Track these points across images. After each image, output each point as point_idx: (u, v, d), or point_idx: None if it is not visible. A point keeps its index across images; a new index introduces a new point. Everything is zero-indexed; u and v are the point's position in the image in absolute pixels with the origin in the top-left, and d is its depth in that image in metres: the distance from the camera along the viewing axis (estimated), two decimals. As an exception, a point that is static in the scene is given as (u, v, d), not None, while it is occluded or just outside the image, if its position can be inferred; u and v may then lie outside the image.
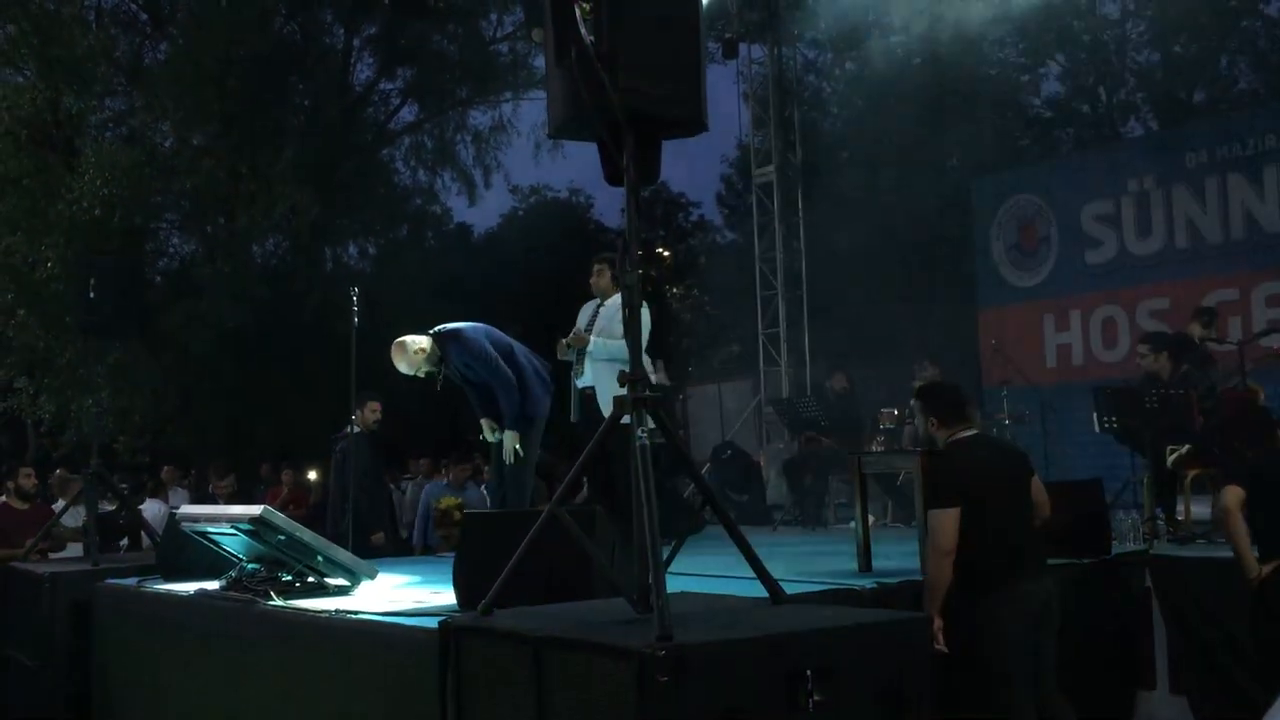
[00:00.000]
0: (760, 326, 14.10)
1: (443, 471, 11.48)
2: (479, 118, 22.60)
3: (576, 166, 26.93)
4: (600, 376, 6.76)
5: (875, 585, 4.53)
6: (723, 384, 17.60)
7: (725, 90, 14.97)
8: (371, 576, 4.72)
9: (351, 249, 21.81)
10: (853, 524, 5.89)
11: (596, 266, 7.19)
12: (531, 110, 22.52)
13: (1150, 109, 21.32)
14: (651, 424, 3.05)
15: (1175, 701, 5.42)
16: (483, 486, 10.57)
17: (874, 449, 8.21)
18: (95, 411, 12.45)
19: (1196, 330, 7.76)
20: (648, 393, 3.12)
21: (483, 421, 6.76)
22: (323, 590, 4.54)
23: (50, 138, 17.99)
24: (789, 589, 3.41)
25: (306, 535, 4.53)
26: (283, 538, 4.45)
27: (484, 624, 3.08)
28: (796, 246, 14.05)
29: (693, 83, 3.16)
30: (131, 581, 5.51)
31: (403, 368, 6.63)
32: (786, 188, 14.07)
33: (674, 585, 3.01)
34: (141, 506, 9.88)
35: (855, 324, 15.80)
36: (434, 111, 22.33)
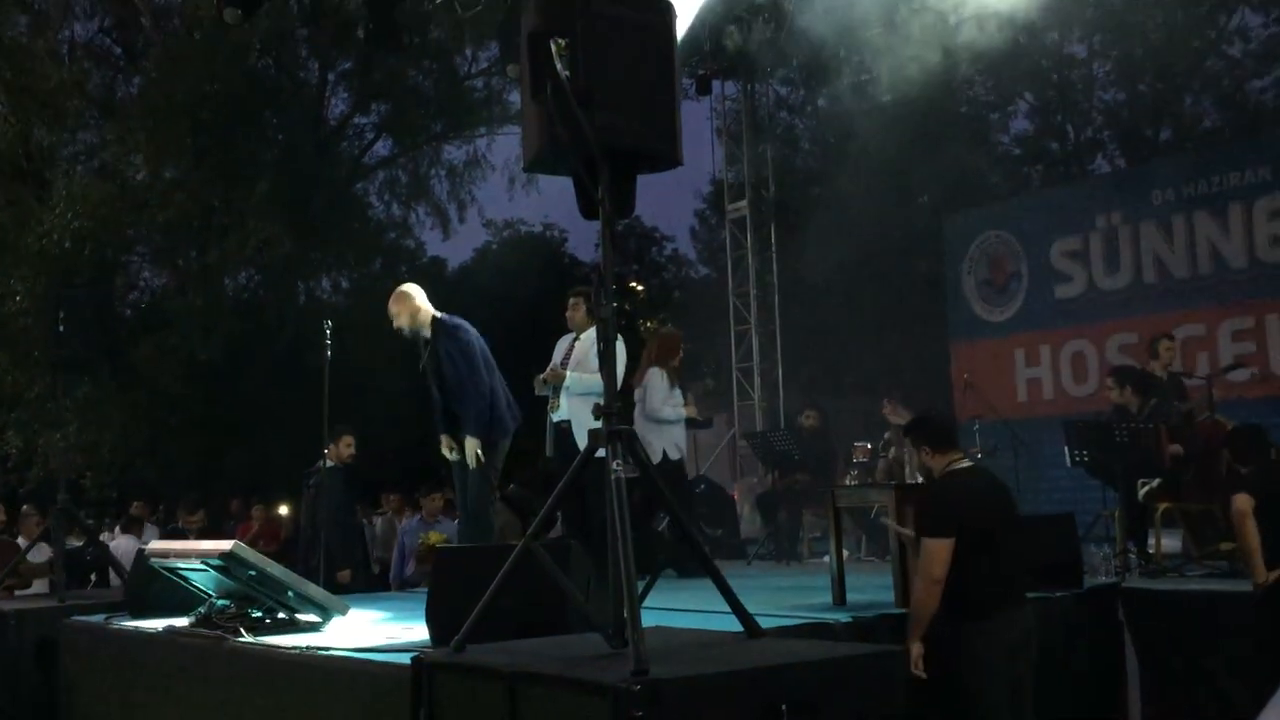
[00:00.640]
0: (734, 360, 14.15)
1: (417, 506, 11.37)
2: (453, 152, 22.69)
3: (551, 201, 27.02)
4: (576, 410, 6.77)
5: (850, 619, 4.53)
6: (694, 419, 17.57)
7: (699, 126, 15.10)
8: (343, 612, 4.68)
9: (324, 283, 21.76)
10: (827, 558, 5.89)
11: (572, 300, 7.21)
12: (506, 145, 22.62)
13: (1117, 146, 21.64)
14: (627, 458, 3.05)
15: (1148, 734, 5.44)
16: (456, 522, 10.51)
17: (848, 483, 8.22)
18: (63, 446, 12.30)
19: (1154, 364, 7.87)
20: (622, 426, 3.12)
21: (442, 438, 6.62)
22: (294, 626, 4.49)
23: (21, 170, 17.90)
24: (764, 623, 3.40)
25: (277, 570, 4.49)
26: (253, 573, 4.41)
27: (457, 660, 3.06)
28: (769, 281, 14.12)
29: (667, 118, 3.19)
30: (99, 618, 5.43)
31: (393, 312, 6.65)
32: (759, 223, 14.16)
33: (649, 620, 3.00)
34: (115, 542, 9.76)
35: (829, 358, 15.86)
36: (408, 146, 22.38)
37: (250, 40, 18.50)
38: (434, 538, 8.99)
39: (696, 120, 15.09)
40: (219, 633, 4.36)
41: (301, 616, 4.57)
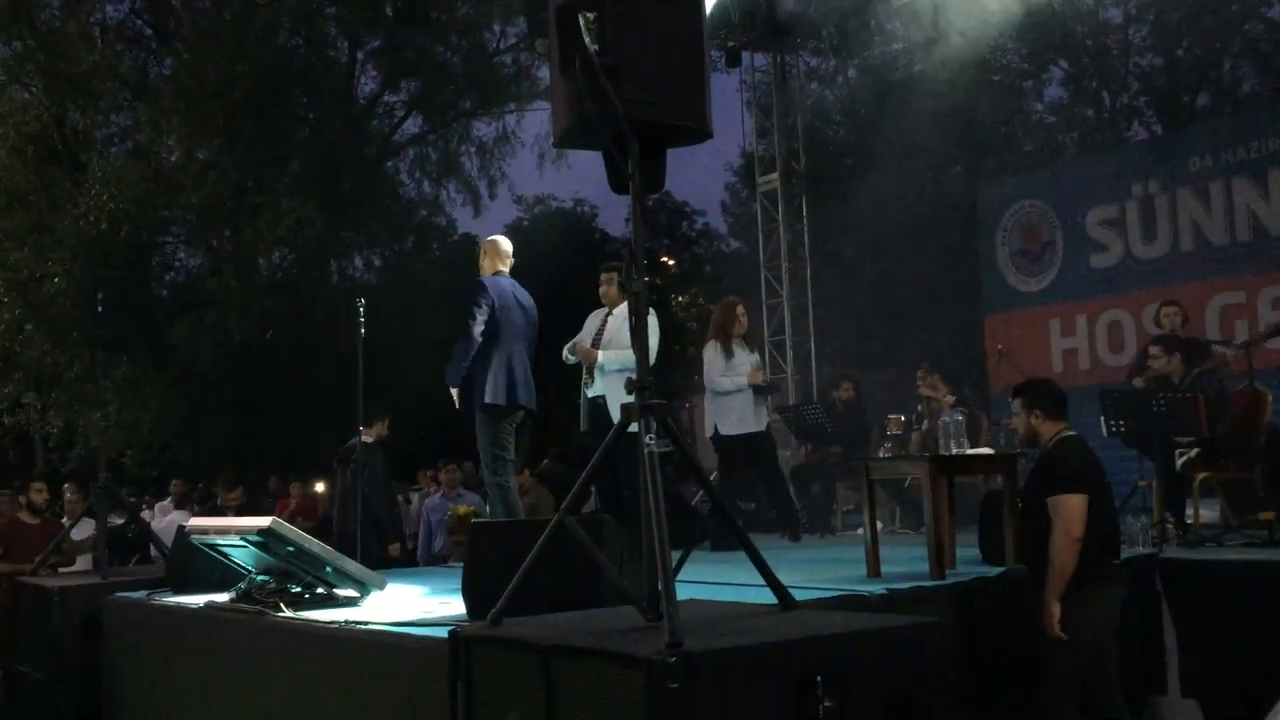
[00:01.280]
0: (766, 334, 14.10)
1: (437, 483, 11.42)
2: (483, 129, 22.72)
3: (581, 176, 27.00)
4: (611, 386, 6.75)
5: (885, 591, 4.52)
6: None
7: (729, 98, 15.01)
8: (380, 587, 4.73)
9: (357, 261, 21.91)
10: (861, 530, 5.88)
11: (604, 275, 7.19)
12: (535, 121, 22.62)
13: (1154, 113, 21.35)
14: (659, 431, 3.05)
15: (1187, 705, 5.40)
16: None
17: (881, 455, 8.20)
18: (103, 425, 12.46)
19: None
20: (656, 400, 3.12)
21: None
22: (332, 601, 4.54)
23: (56, 153, 18.09)
24: (798, 596, 3.40)
25: (315, 546, 4.54)
26: (291, 549, 4.45)
27: (493, 633, 3.08)
28: (801, 254, 14.05)
29: (697, 91, 3.17)
30: (141, 594, 5.51)
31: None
32: (790, 195, 14.07)
33: (683, 593, 3.01)
34: (169, 517, 9.89)
35: (862, 331, 15.79)
36: (438, 123, 22.41)
37: (279, 19, 18.58)
38: (463, 510, 9.05)
39: (726, 93, 15.01)
40: (259, 608, 4.41)
41: (340, 591, 4.61)
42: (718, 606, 3.58)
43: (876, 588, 4.59)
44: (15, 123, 17.33)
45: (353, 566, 4.69)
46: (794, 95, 14.61)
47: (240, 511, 11.58)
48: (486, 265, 6.63)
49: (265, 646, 4.34)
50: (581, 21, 2.97)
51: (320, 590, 4.57)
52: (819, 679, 2.59)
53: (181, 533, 5.41)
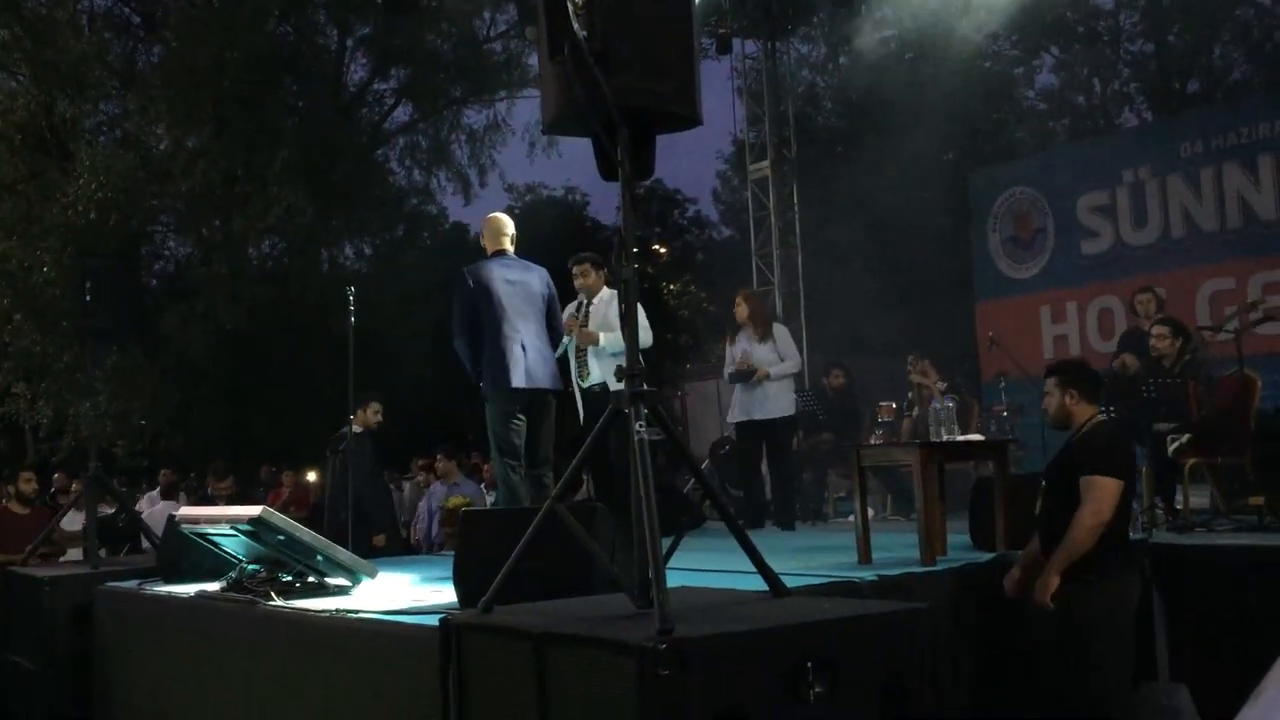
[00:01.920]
0: (757, 322, 14.08)
1: (431, 471, 11.42)
2: (473, 117, 22.66)
3: (572, 164, 26.98)
4: (609, 370, 6.66)
5: (876, 577, 4.53)
6: (721, 380, 17.57)
7: (720, 86, 14.99)
8: (372, 576, 4.72)
9: (347, 249, 21.86)
10: (852, 518, 5.89)
11: (578, 268, 7.14)
12: (526, 109, 22.60)
13: (1145, 99, 21.38)
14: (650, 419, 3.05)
15: (1177, 690, 5.43)
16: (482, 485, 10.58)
17: (873, 442, 8.21)
18: (93, 415, 12.43)
19: (1134, 319, 7.83)
20: (645, 388, 3.12)
21: None
22: (323, 590, 4.53)
23: (44, 142, 18.00)
24: (789, 582, 3.40)
25: (306, 535, 4.53)
26: (282, 538, 4.45)
27: (485, 621, 3.08)
28: (792, 241, 14.05)
29: (686, 77, 3.16)
30: (132, 584, 5.50)
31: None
32: (781, 183, 14.07)
33: (674, 580, 3.01)
34: (156, 507, 9.87)
35: (853, 318, 15.79)
36: (428, 111, 22.35)
37: (269, 7, 18.50)
38: (453, 502, 9.06)
39: (717, 80, 15.00)
40: (250, 597, 4.41)
41: (331, 580, 4.61)
42: (709, 593, 3.58)
43: (867, 574, 4.60)
44: (3, 111, 17.24)
45: (344, 555, 4.69)
46: (785, 82, 14.59)
47: (231, 501, 11.58)
48: (486, 246, 6.43)
49: (256, 635, 4.33)
50: (570, 7, 2.95)
51: (311, 579, 4.56)
52: (810, 665, 2.59)
53: (172, 522, 5.40)
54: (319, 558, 4.55)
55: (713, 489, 3.67)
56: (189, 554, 5.24)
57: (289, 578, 4.52)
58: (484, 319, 6.12)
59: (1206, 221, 11.05)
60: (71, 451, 16.49)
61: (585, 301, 7.13)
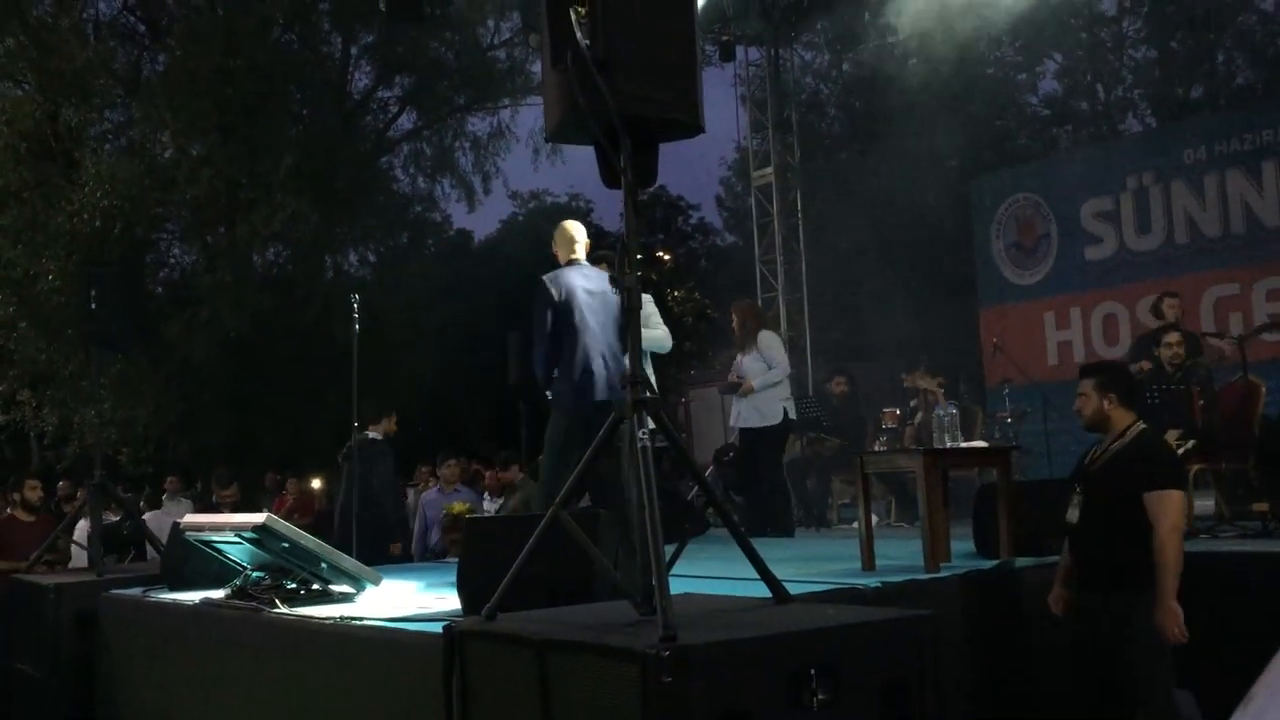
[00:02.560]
0: (761, 328, 14.09)
1: (435, 478, 11.42)
2: (477, 124, 22.68)
3: (576, 171, 26.99)
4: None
5: (879, 584, 4.52)
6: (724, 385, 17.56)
7: (723, 93, 15.01)
8: (375, 583, 4.73)
9: (352, 257, 21.86)
10: (856, 524, 5.88)
11: None
12: (530, 116, 22.62)
13: (1148, 105, 21.38)
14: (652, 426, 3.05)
15: (1182, 695, 5.41)
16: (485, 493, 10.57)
17: (876, 449, 8.21)
18: (98, 422, 12.45)
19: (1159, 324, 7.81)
20: (649, 395, 3.12)
21: None
22: (327, 597, 4.54)
23: (49, 150, 18.03)
24: (792, 589, 3.40)
25: (310, 542, 4.54)
26: (286, 545, 4.45)
27: (488, 628, 3.08)
28: (796, 248, 14.06)
29: (689, 85, 3.17)
30: (136, 591, 5.51)
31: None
32: (785, 189, 14.08)
33: (677, 587, 3.01)
34: (154, 513, 9.88)
35: (857, 324, 15.80)
36: (432, 119, 22.37)
37: (272, 15, 18.53)
38: (458, 507, 9.04)
39: (721, 86, 15.02)
40: (254, 604, 4.41)
41: (335, 587, 4.61)
42: (712, 600, 3.58)
43: (871, 581, 4.60)
44: (8, 119, 17.26)
45: (348, 563, 4.69)
46: (788, 89, 14.61)
47: (236, 508, 11.59)
48: (559, 255, 6.27)
49: (260, 643, 4.34)
50: (573, 15, 2.96)
51: (315, 586, 4.57)
52: (813, 672, 2.59)
53: (176, 529, 5.41)
54: (323, 565, 4.55)
55: (715, 496, 3.67)
56: (193, 561, 5.25)
57: (293, 585, 4.53)
58: (563, 330, 5.99)
59: (1210, 227, 11.05)
60: (76, 459, 16.50)
61: None
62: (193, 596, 4.95)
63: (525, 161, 23.58)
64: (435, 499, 10.07)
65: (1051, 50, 21.20)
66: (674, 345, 7.80)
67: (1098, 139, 20.05)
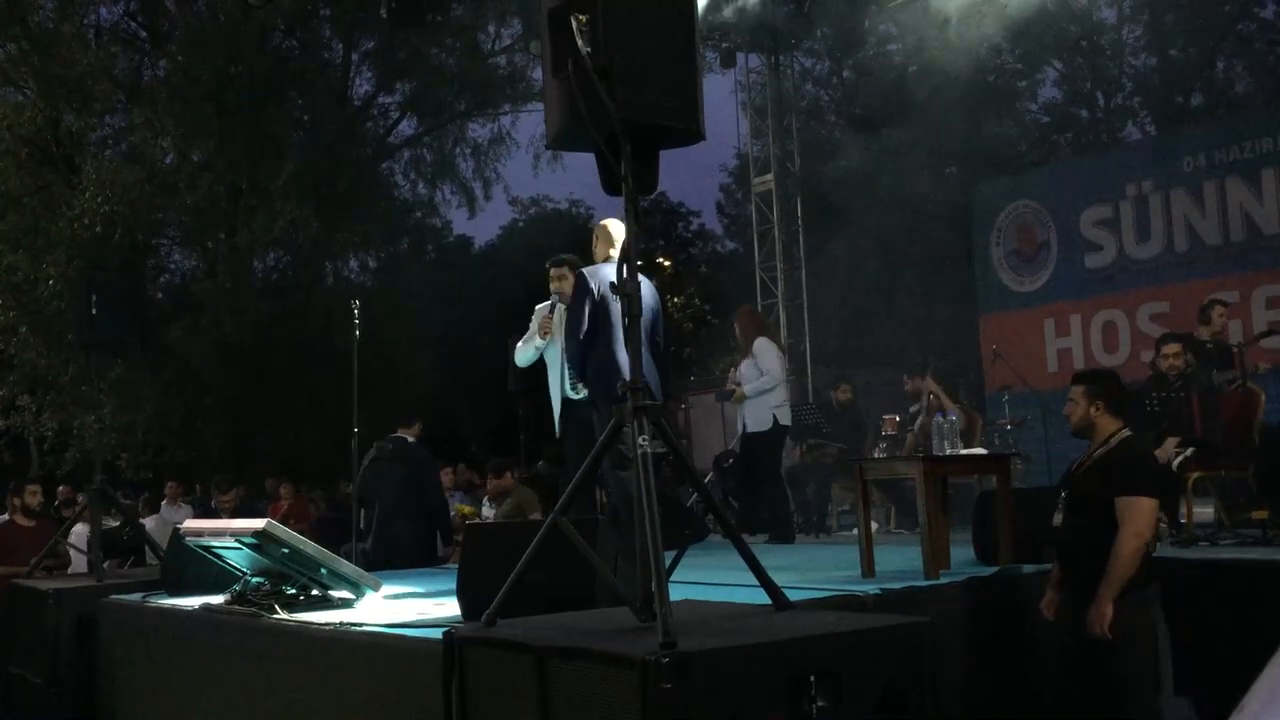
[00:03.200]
0: (761, 335, 14.09)
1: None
2: (478, 130, 22.72)
3: (576, 177, 27.04)
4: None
5: (879, 591, 4.53)
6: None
7: (723, 100, 15.03)
8: (375, 588, 4.73)
9: (352, 262, 21.88)
10: (855, 531, 5.88)
11: (556, 271, 6.93)
12: (530, 122, 22.65)
13: (1148, 113, 21.40)
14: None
15: (1180, 703, 5.42)
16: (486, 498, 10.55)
17: (876, 456, 8.20)
18: (98, 428, 12.45)
19: (1203, 330, 7.74)
20: (649, 401, 3.13)
21: None
22: (327, 603, 4.54)
23: (50, 156, 18.07)
24: (792, 596, 3.40)
25: (310, 548, 4.54)
26: (286, 551, 4.45)
27: (488, 634, 3.08)
28: (796, 255, 14.07)
29: (689, 92, 3.18)
30: (136, 597, 5.51)
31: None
32: (785, 196, 14.09)
33: (677, 593, 3.01)
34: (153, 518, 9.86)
35: (856, 331, 15.80)
36: (433, 124, 22.41)
37: (274, 21, 18.56)
38: (461, 510, 9.02)
39: (721, 94, 15.03)
40: (254, 610, 4.41)
41: (334, 593, 4.61)
42: (711, 607, 3.59)
43: (870, 588, 4.60)
44: (10, 125, 17.30)
45: (348, 568, 4.70)
46: (788, 96, 14.63)
47: (236, 513, 11.58)
48: (598, 252, 6.02)
49: (260, 648, 4.34)
50: (574, 23, 2.97)
51: (315, 592, 4.57)
52: (812, 679, 2.60)
53: (176, 534, 5.41)
54: (323, 571, 4.55)
55: (715, 502, 3.67)
56: (193, 566, 5.25)
57: (293, 591, 4.53)
58: (599, 325, 5.75)
59: (1210, 235, 11.05)
60: (76, 464, 16.50)
61: (563, 305, 7.00)
62: (193, 602, 4.95)
63: (526, 167, 23.65)
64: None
65: (1051, 58, 21.23)
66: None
67: (1098, 147, 20.07)
